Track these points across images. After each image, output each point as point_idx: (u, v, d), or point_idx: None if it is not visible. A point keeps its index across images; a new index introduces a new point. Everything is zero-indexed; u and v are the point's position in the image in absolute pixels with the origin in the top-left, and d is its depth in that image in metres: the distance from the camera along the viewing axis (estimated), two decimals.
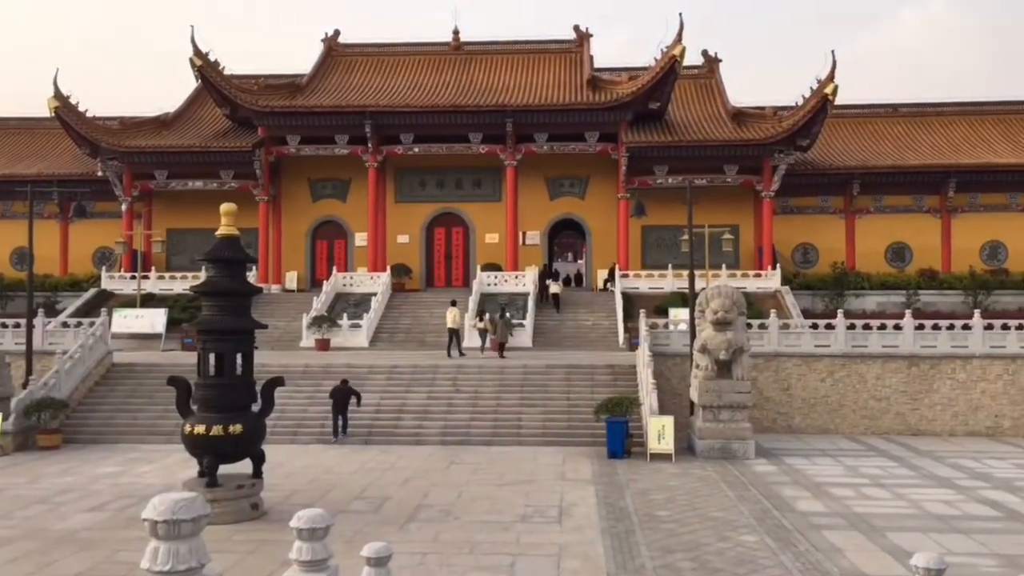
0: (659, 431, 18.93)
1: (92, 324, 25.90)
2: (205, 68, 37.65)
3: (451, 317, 28.18)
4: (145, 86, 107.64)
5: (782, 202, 39.39)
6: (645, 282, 35.75)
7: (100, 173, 39.05)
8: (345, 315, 32.04)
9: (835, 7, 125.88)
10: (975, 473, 17.96)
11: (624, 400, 20.06)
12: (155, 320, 31.93)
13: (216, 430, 13.44)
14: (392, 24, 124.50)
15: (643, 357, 22.59)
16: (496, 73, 42.54)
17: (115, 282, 36.74)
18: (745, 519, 13.50)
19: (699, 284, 25.54)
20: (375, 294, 34.04)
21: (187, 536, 5.25)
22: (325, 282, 35.98)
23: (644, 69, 37.59)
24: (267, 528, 12.92)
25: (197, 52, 37.42)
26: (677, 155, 37.26)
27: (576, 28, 44.50)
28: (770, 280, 35.32)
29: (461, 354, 27.29)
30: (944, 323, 25.02)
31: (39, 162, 42.57)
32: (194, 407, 13.98)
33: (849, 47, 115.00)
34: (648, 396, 20.44)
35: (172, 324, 31.68)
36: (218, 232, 14.31)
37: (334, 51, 45.03)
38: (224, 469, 13.86)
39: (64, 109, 37.64)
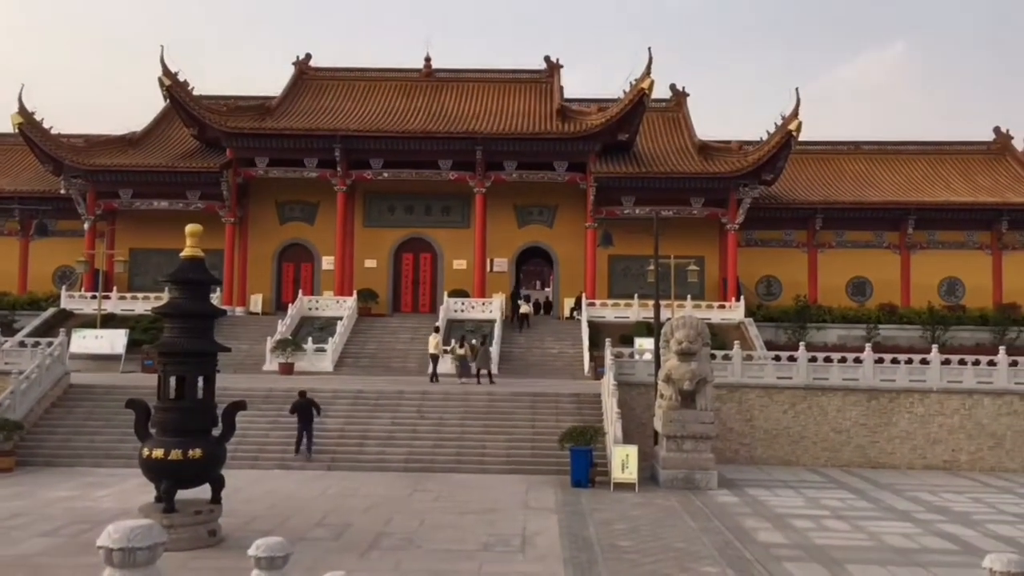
0: (623, 460, 18.96)
1: (50, 344, 25.42)
2: (174, 88, 37.41)
3: (433, 343, 28.61)
4: (117, 105, 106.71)
5: (747, 235, 39.98)
6: (611, 311, 35.98)
7: (63, 191, 38.57)
8: (310, 339, 31.81)
9: (799, 47, 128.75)
10: (933, 507, 18.18)
11: (589, 429, 20.07)
12: (115, 341, 31.45)
13: (175, 454, 13.21)
14: (364, 49, 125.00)
15: (608, 386, 22.66)
16: (467, 101, 42.82)
17: (75, 302, 36.18)
18: (707, 550, 13.53)
19: (664, 314, 25.74)
20: (341, 318, 33.85)
21: (143, 564, 5.17)
22: (291, 305, 35.75)
23: (613, 101, 38.08)
24: (225, 556, 12.69)
25: (166, 72, 37.20)
26: (645, 186, 37.71)
27: (547, 59, 45.07)
28: (734, 312, 35.74)
29: (437, 380, 27.51)
30: (903, 357, 25.38)
31: (0, 178, 41.91)
32: (153, 430, 13.75)
33: (814, 86, 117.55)
34: (613, 425, 20.48)
35: (133, 345, 31.21)
36: (182, 253, 14.17)
37: (305, 74, 45.06)
38: (182, 494, 13.61)
39: (28, 125, 37.15)
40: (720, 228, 38.95)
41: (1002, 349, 25.94)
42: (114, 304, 35.70)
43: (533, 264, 50.85)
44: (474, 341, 29.26)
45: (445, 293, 37.31)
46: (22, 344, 27.67)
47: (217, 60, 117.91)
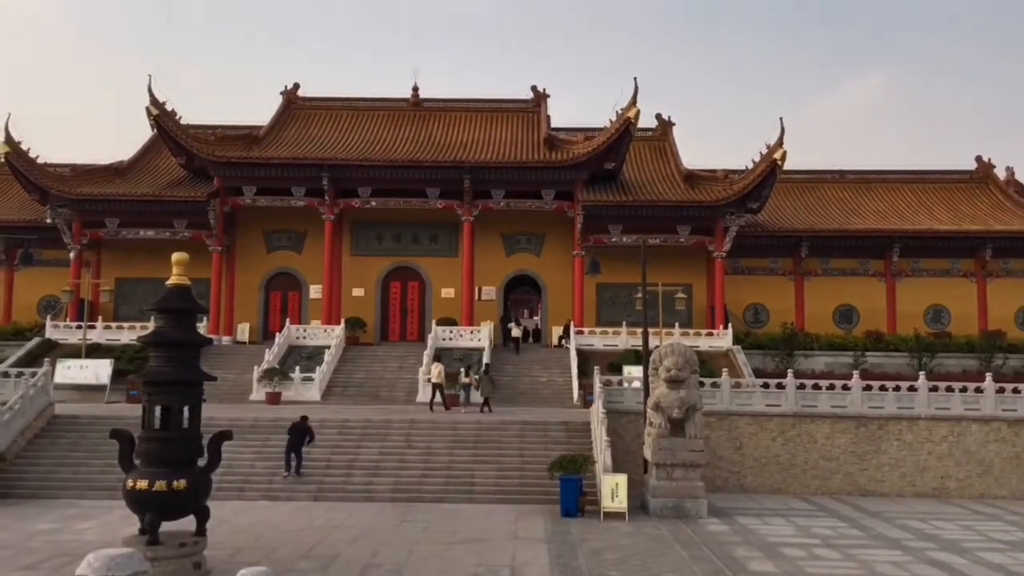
0: (613, 489, 18.85)
1: (34, 374, 25.16)
2: (161, 117, 37.44)
3: (435, 372, 28.74)
4: (104, 135, 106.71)
5: (733, 262, 40.15)
6: (600, 339, 35.96)
7: (49, 220, 38.36)
8: (297, 368, 31.62)
9: (783, 77, 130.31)
10: (923, 534, 18.14)
11: (578, 458, 19.96)
12: (100, 371, 31.16)
13: (159, 485, 13.03)
14: (352, 79, 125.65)
15: (597, 414, 22.58)
16: (454, 130, 43.02)
17: (60, 331, 35.85)
18: None
19: (653, 342, 25.74)
20: (328, 347, 33.69)
21: None
22: (278, 334, 35.55)
23: (600, 130, 38.32)
24: None
25: (154, 101, 37.24)
26: (632, 214, 37.86)
27: (534, 88, 45.39)
28: (722, 339, 35.79)
29: (435, 408, 27.89)
30: (891, 384, 25.43)
31: None
32: (137, 461, 13.58)
33: (798, 115, 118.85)
34: (602, 454, 20.38)
35: (119, 375, 30.92)
36: (169, 281, 14.11)
37: (293, 103, 45.20)
38: (167, 526, 13.41)
39: (14, 155, 37.00)
40: (707, 256, 39.10)
41: (989, 376, 26.05)
42: (99, 334, 35.42)
43: (521, 292, 50.79)
44: (480, 372, 29.77)
45: (433, 321, 37.23)
46: (6, 374, 27.38)
47: (205, 90, 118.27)
